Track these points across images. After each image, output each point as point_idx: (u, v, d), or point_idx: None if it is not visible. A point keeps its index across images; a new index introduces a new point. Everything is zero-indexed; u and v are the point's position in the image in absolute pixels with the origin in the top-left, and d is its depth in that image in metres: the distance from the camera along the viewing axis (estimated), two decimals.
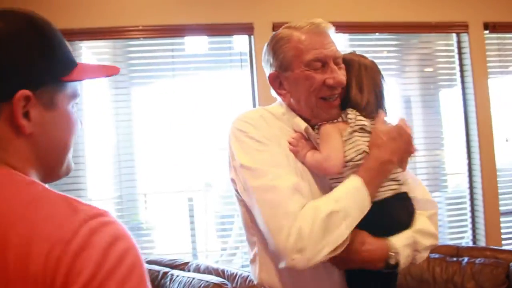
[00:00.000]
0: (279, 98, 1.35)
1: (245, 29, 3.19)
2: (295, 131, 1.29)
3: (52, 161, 0.80)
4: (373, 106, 1.28)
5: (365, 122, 1.25)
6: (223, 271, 2.13)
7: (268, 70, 1.32)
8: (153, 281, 2.15)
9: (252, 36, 3.21)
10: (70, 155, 0.84)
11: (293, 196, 1.13)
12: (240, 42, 3.28)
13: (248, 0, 3.22)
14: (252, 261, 1.30)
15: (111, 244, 0.65)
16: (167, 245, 3.28)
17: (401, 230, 1.22)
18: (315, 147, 1.27)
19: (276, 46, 1.28)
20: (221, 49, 3.34)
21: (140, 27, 3.11)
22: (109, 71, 0.87)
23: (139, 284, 0.65)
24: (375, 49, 3.41)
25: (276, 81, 1.30)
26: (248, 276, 2.06)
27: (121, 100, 3.21)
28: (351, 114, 1.25)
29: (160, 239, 3.29)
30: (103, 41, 3.20)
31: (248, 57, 3.25)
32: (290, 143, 1.26)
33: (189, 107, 3.22)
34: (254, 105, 3.21)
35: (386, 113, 1.30)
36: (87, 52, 3.21)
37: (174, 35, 3.18)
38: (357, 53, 1.37)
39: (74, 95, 0.81)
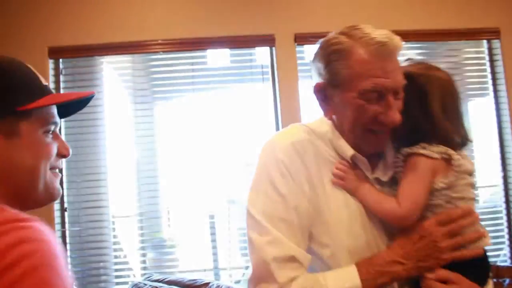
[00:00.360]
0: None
1: (267, 40, 3.13)
2: (339, 155, 1.15)
3: (22, 187, 0.84)
4: (465, 137, 1.11)
5: (468, 163, 1.09)
6: None
7: (315, 78, 1.16)
8: None
9: (273, 48, 3.14)
10: (47, 179, 0.87)
11: (283, 269, 1.04)
12: (262, 54, 3.21)
13: (269, 11, 3.15)
14: None
15: (13, 246, 0.66)
16: (191, 262, 3.20)
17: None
18: (366, 178, 1.15)
19: (331, 57, 1.10)
20: (243, 62, 3.27)
21: (159, 41, 3.08)
22: (79, 94, 0.93)
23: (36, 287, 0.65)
24: (401, 58, 3.28)
25: (322, 93, 1.15)
26: None
27: (143, 115, 3.17)
28: (455, 154, 1.07)
29: (184, 256, 3.22)
30: (124, 56, 3.18)
31: (269, 70, 3.18)
32: (334, 175, 1.13)
33: (211, 121, 3.16)
34: (277, 120, 3.12)
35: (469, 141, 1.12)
36: (108, 68, 3.20)
37: (195, 48, 3.14)
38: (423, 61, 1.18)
39: (44, 122, 0.87)
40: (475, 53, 3.37)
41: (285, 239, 1.05)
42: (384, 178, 1.16)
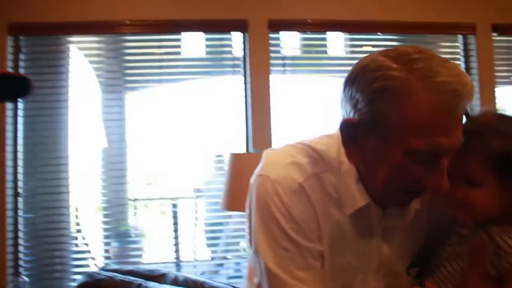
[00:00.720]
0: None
1: (239, 26, 3.02)
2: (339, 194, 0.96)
3: None
4: None
5: None
6: (202, 284, 1.93)
7: (347, 108, 0.90)
8: None
9: (246, 34, 3.04)
10: None
11: None
12: (235, 44, 3.10)
13: None
14: None
15: None
16: (156, 253, 3.11)
17: None
18: (370, 227, 0.97)
19: (378, 94, 0.83)
20: (216, 47, 3.17)
21: (128, 22, 2.94)
22: None
23: None
24: (377, 49, 3.21)
25: (350, 130, 0.89)
26: None
27: (112, 98, 3.03)
28: None
29: (149, 246, 3.12)
30: (92, 36, 3.03)
31: (242, 58, 3.07)
32: None
33: (182, 111, 3.05)
34: (247, 110, 3.00)
35: None
36: (74, 48, 3.05)
37: (164, 30, 3.02)
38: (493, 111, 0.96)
39: None
40: (450, 47, 3.33)
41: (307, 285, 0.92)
42: (393, 223, 0.99)
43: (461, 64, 3.27)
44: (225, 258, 3.07)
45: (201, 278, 2.00)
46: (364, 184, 0.93)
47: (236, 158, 2.18)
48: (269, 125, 2.93)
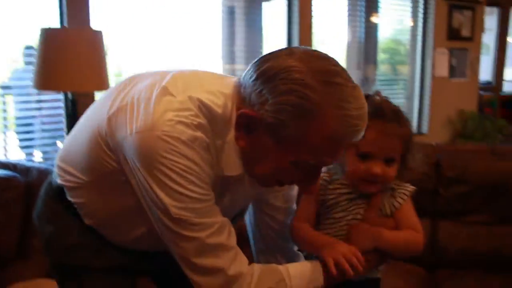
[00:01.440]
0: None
1: None
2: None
3: None
4: None
5: None
6: (15, 165, 1.76)
7: (252, 99, 0.91)
8: None
9: None
10: None
11: (236, 259, 0.97)
12: None
13: None
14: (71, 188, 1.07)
15: None
16: None
17: None
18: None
19: (287, 107, 0.86)
20: None
21: None
22: None
23: None
24: None
25: (248, 122, 0.92)
26: (46, 168, 1.74)
27: None
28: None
29: None
30: None
31: None
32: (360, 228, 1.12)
33: None
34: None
35: None
36: None
37: None
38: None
39: None
40: None
41: (223, 225, 0.97)
42: (241, 186, 1.07)
43: None
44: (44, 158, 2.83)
45: (13, 160, 1.82)
46: (242, 160, 0.98)
47: (49, 34, 1.96)
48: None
